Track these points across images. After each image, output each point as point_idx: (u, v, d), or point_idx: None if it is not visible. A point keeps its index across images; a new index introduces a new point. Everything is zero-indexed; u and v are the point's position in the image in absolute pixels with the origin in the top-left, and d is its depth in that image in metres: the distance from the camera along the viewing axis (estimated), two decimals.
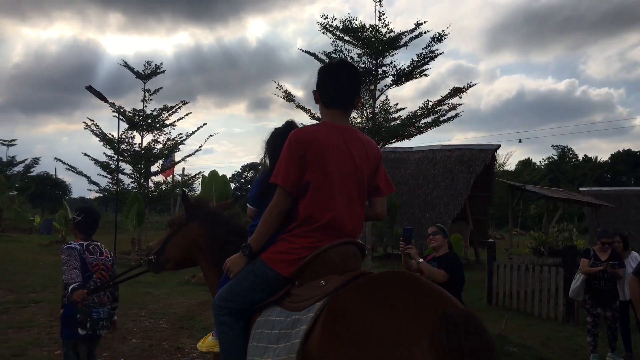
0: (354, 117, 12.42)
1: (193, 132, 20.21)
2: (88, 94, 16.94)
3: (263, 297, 2.48)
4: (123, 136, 19.48)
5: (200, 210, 3.52)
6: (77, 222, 4.25)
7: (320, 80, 2.61)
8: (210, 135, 22.23)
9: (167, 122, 20.05)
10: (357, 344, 1.97)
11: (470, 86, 11.84)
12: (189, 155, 20.69)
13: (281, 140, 2.59)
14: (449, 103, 11.87)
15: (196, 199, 3.75)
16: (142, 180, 20.02)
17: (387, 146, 14.25)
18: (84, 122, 19.05)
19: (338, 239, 2.45)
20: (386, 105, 11.99)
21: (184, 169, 31.02)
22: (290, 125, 3.02)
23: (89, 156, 19.79)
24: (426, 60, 11.87)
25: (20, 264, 15.36)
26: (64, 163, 19.62)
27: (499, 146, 21.29)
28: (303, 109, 11.84)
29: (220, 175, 13.43)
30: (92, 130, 19.18)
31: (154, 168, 20.52)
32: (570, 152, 67.65)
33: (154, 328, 7.69)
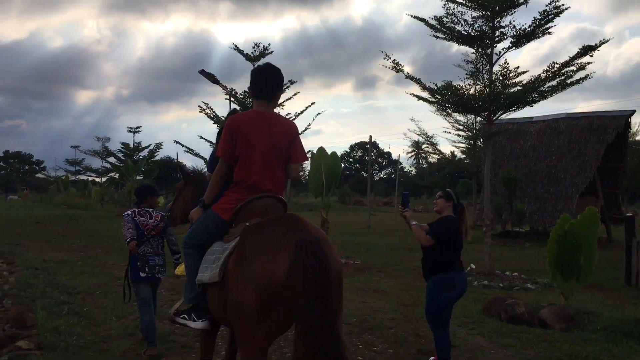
0: (468, 86, 11.59)
1: (302, 112, 20.22)
2: (204, 82, 17.49)
3: (212, 234, 3.45)
4: None
5: (193, 178, 4.60)
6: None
7: (251, 79, 3.52)
8: (318, 114, 22.30)
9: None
10: (246, 257, 2.98)
11: (602, 42, 10.48)
12: (300, 133, 20.83)
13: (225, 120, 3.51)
14: (577, 63, 10.65)
15: (192, 170, 4.73)
16: None
17: (504, 117, 13.11)
18: (198, 106, 19.74)
19: (263, 193, 3.38)
20: (505, 70, 11.02)
21: None
22: (232, 112, 3.97)
23: (204, 139, 20.64)
24: (550, 17, 10.72)
25: None
26: (183, 145, 20.55)
27: (633, 112, 19.14)
28: (412, 79, 11.20)
29: (330, 153, 13.21)
30: (206, 114, 19.85)
31: None
32: None
33: None
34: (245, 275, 2.92)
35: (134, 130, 44.55)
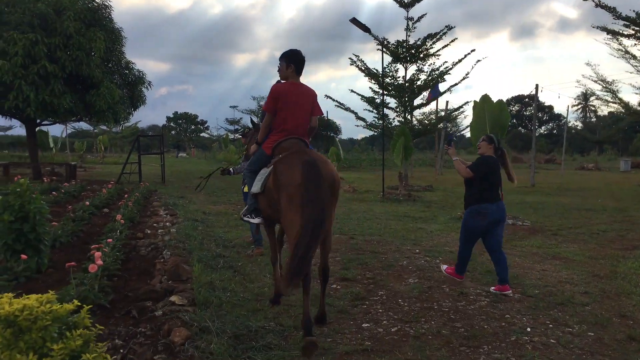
0: None
1: (460, 60, 18.64)
2: (352, 41, 16.81)
3: (261, 163, 4.99)
4: (387, 70, 19.05)
5: (257, 126, 6.24)
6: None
7: (291, 60, 4.95)
8: (478, 61, 20.28)
9: (431, 51, 18.91)
10: (278, 175, 4.47)
11: None
12: (455, 85, 19.27)
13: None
14: None
15: (257, 123, 6.47)
16: (406, 114, 19.46)
17: None
18: (349, 59, 19.19)
19: (291, 135, 4.91)
20: None
21: (447, 102, 29.78)
22: (277, 82, 5.09)
23: (355, 92, 19.98)
24: None
25: None
26: (334, 100, 20.21)
27: None
28: (606, 8, 9.22)
29: (495, 100, 11.72)
30: (357, 66, 19.19)
31: (417, 101, 19.74)
32: None
33: (430, 267, 6.83)
34: (279, 185, 4.41)
35: None
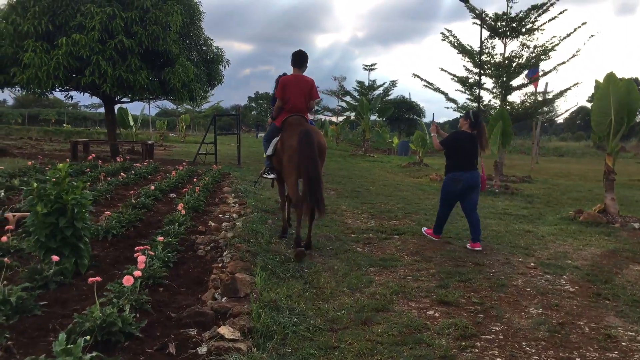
0: None
1: (569, 34, 16.35)
2: (437, 20, 15.28)
3: (274, 134, 6.82)
4: (483, 46, 17.10)
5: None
6: None
7: (292, 58, 6.74)
8: (592, 36, 17.56)
9: (536, 24, 16.72)
10: (283, 141, 6.44)
11: None
12: (562, 63, 16.90)
13: (278, 79, 7.05)
14: None
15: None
16: (504, 96, 17.45)
17: None
18: (441, 34, 17.39)
19: (294, 113, 6.59)
20: None
21: (547, 83, 27.12)
22: (282, 75, 7.10)
23: (445, 71, 18.19)
24: None
25: (381, 184, 15.00)
26: (422, 79, 18.48)
27: None
28: None
29: (623, 79, 9.72)
30: (449, 42, 17.40)
31: (517, 81, 17.63)
32: None
33: (554, 290, 5.31)
34: (284, 148, 6.37)
35: (369, 68, 44.11)
